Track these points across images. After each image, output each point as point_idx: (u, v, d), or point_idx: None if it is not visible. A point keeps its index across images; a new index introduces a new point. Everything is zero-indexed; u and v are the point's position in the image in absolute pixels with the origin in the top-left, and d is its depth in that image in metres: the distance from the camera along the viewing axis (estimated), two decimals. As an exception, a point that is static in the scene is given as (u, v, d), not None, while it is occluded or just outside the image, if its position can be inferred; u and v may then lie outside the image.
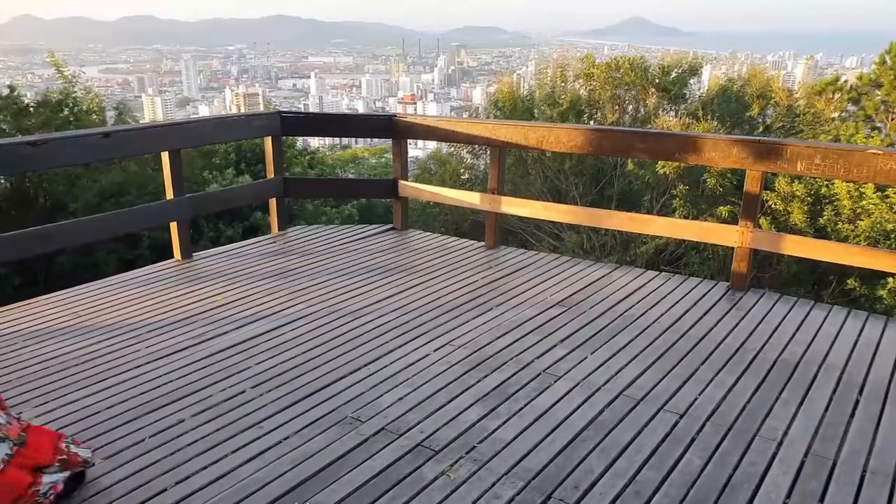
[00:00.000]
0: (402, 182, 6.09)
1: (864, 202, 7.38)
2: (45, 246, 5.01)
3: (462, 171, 12.44)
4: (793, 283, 8.08)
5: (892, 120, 9.96)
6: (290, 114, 6.08)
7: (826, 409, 3.22)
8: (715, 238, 5.23)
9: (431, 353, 3.77)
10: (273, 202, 6.14)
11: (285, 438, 2.96)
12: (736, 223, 4.82)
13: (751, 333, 4.06)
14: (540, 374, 3.54)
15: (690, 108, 11.18)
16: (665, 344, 3.91)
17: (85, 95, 9.06)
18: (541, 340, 3.94)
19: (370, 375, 3.52)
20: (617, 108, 11.28)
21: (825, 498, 2.61)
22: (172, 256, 5.46)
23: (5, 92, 8.53)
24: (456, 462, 2.79)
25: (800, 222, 7.76)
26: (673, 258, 9.58)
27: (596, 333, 4.04)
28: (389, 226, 6.33)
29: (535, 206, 5.90)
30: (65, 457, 2.58)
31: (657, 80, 11.17)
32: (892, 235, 7.15)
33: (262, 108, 12.86)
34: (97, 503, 2.55)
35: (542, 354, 3.76)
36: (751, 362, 3.69)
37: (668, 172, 9.14)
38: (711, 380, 3.49)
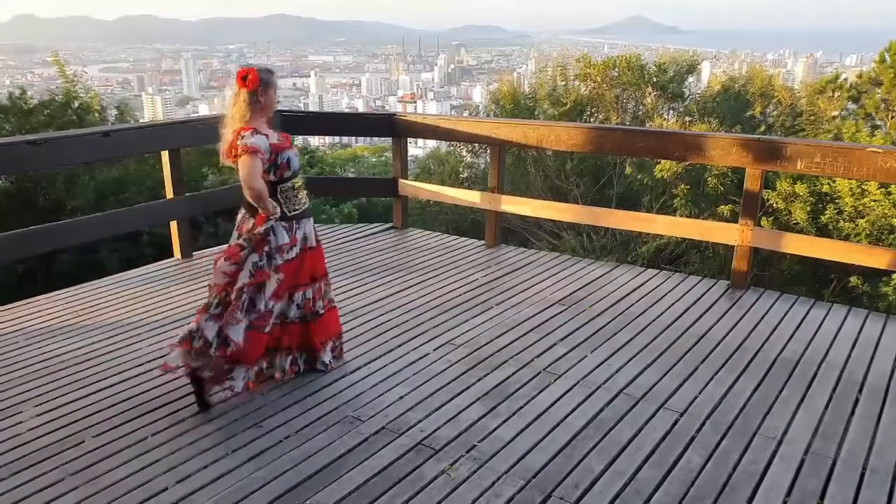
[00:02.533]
0: (401, 181, 6.09)
1: (866, 199, 7.37)
2: (46, 245, 5.02)
3: (462, 169, 12.42)
4: (794, 283, 8.07)
5: (893, 118, 9.95)
6: (290, 112, 6.09)
7: (826, 408, 3.22)
8: (715, 236, 5.24)
9: (431, 352, 3.77)
10: (273, 201, 6.13)
11: (285, 438, 2.96)
12: (737, 222, 4.82)
13: (751, 332, 4.06)
14: (540, 372, 3.54)
15: (689, 107, 11.18)
16: (665, 342, 3.91)
17: (86, 94, 9.05)
18: (541, 339, 3.94)
19: (370, 374, 3.52)
20: (618, 107, 11.27)
21: (825, 496, 2.61)
22: (172, 255, 5.46)
23: (17, 93, 8.53)
24: (456, 461, 2.79)
25: (802, 221, 7.75)
26: (673, 257, 9.57)
27: (596, 332, 4.05)
28: (389, 224, 6.33)
29: (535, 204, 5.91)
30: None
31: (654, 79, 11.15)
32: None
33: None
34: (97, 502, 2.55)
35: (543, 353, 3.76)
36: (751, 361, 3.69)
37: (666, 177, 9.12)
38: (711, 378, 3.49)
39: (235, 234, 3.32)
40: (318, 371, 3.53)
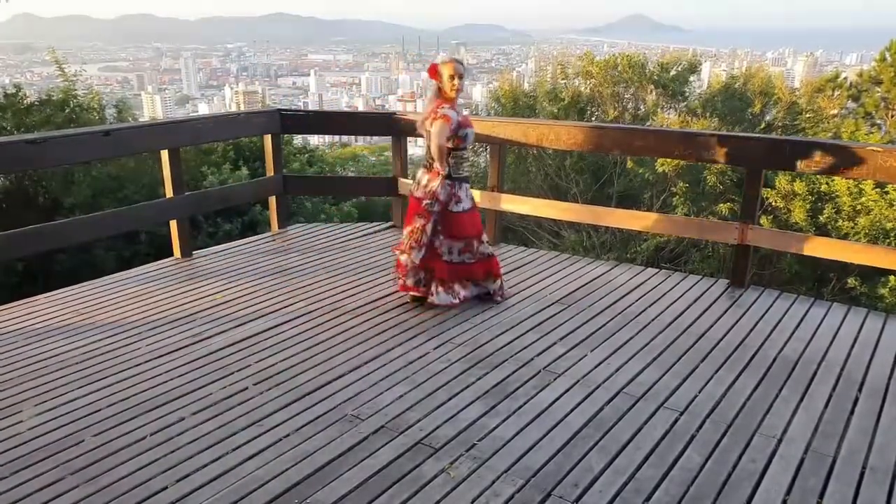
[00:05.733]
0: (401, 180, 6.09)
1: (863, 199, 7.38)
2: (45, 244, 5.01)
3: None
4: (793, 282, 8.07)
5: (892, 117, 9.95)
6: (290, 112, 6.08)
7: (826, 407, 3.22)
8: (714, 235, 5.23)
9: (431, 351, 3.77)
10: (273, 200, 6.13)
11: (285, 436, 2.96)
12: (736, 220, 4.82)
13: (751, 330, 4.06)
14: (540, 371, 3.54)
15: (691, 105, 11.18)
16: (665, 341, 3.91)
17: (85, 94, 9.04)
18: (541, 338, 3.94)
19: (370, 373, 3.52)
20: (618, 105, 11.27)
21: (825, 495, 2.61)
22: (171, 254, 5.46)
23: (11, 91, 8.52)
24: (456, 460, 2.79)
25: (800, 220, 7.75)
26: (673, 256, 9.57)
27: (596, 331, 4.04)
28: (389, 223, 6.33)
29: (535, 203, 5.90)
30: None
31: (656, 78, 11.15)
32: (892, 233, 7.15)
33: (261, 107, 12.85)
34: (96, 502, 2.55)
35: (542, 352, 3.76)
36: (751, 359, 3.69)
37: (667, 171, 9.13)
38: (711, 377, 3.49)
39: (415, 186, 4.29)
40: (489, 299, 4.45)
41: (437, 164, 4.12)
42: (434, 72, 4.15)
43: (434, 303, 4.33)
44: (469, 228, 4.30)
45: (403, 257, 4.29)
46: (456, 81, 4.12)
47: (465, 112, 4.33)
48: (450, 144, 4.12)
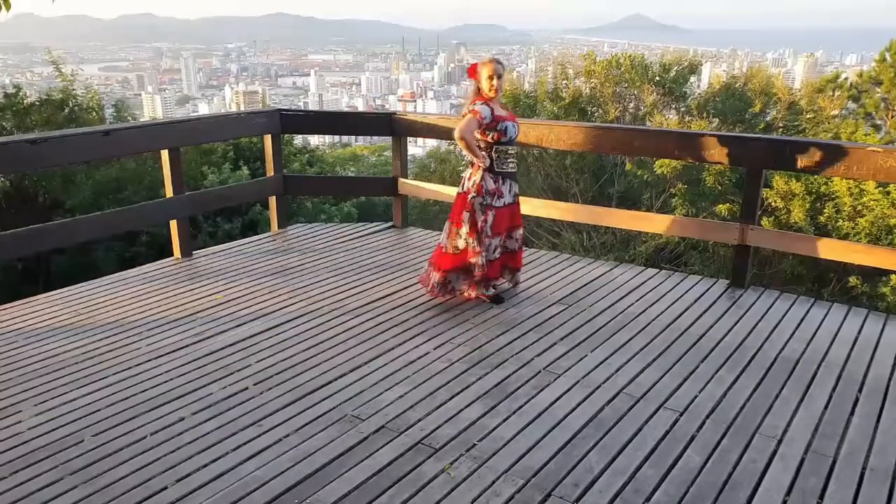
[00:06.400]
0: (401, 180, 6.09)
1: (864, 199, 7.38)
2: (45, 244, 5.01)
3: (462, 168, 12.42)
4: (794, 282, 8.07)
5: (893, 117, 9.95)
6: (290, 112, 6.08)
7: (826, 407, 3.22)
8: (714, 235, 5.23)
9: (431, 351, 3.77)
10: (273, 200, 6.13)
11: (285, 436, 2.96)
12: (736, 221, 4.82)
13: (751, 331, 4.06)
14: (540, 371, 3.54)
15: (691, 105, 11.18)
16: (665, 341, 3.90)
17: (85, 94, 9.05)
18: (541, 338, 3.94)
19: (370, 373, 3.52)
20: (618, 105, 11.27)
21: (825, 495, 2.61)
22: (171, 254, 5.46)
23: (11, 91, 8.54)
24: (456, 460, 2.79)
25: (801, 220, 7.75)
26: (673, 256, 9.58)
27: (596, 331, 4.04)
28: (389, 224, 6.33)
29: (535, 203, 5.89)
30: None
31: (657, 78, 11.16)
32: (895, 231, 7.14)
33: (261, 107, 12.85)
34: (96, 501, 2.55)
35: (542, 352, 3.76)
36: (751, 360, 3.69)
37: (666, 172, 9.13)
38: (711, 377, 3.49)
39: (461, 186, 4.35)
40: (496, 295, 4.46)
41: (476, 160, 4.22)
42: (473, 72, 4.26)
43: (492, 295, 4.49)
44: (507, 223, 4.39)
45: (477, 266, 4.27)
46: (494, 81, 4.21)
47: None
48: (488, 138, 4.21)
